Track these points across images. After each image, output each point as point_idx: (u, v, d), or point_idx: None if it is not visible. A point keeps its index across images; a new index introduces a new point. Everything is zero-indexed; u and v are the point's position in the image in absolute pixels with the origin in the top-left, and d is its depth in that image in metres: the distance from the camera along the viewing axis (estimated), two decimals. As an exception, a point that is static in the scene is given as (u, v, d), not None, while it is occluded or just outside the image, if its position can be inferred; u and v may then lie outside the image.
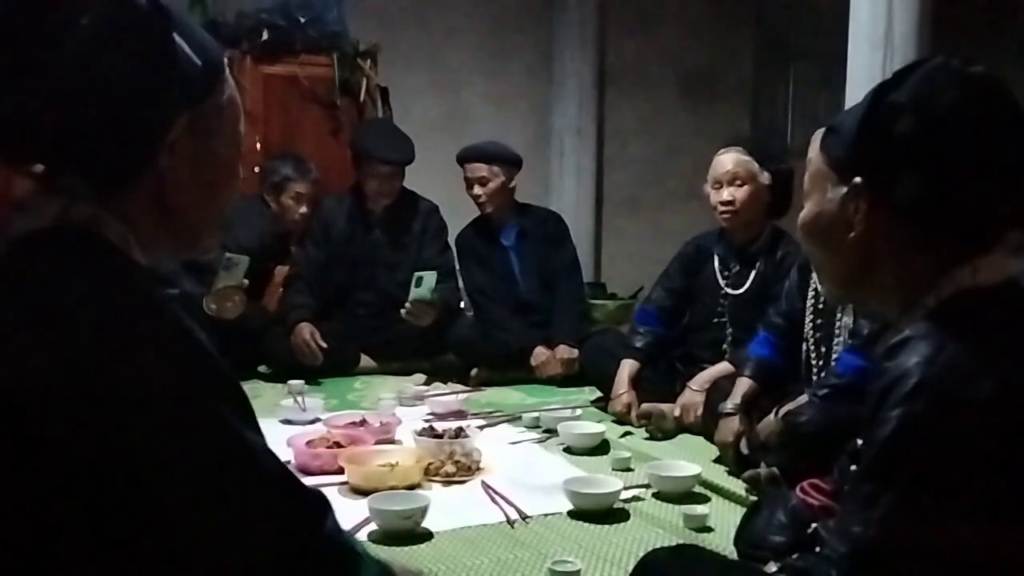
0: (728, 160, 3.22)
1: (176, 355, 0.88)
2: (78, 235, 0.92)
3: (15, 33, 0.90)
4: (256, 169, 4.25)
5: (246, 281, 3.69)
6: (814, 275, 2.50)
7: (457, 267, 4.30)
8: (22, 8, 0.91)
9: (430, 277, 3.93)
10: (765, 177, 3.20)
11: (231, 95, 1.05)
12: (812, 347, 2.67)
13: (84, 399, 0.82)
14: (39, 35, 0.90)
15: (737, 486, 2.53)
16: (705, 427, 2.95)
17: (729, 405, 2.80)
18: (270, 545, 0.90)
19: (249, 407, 0.94)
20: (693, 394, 3.09)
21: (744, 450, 2.68)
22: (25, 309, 0.86)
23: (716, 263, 3.38)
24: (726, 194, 3.20)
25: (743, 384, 2.85)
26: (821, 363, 2.63)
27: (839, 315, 2.57)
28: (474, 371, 4.03)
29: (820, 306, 2.65)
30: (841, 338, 2.57)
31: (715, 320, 3.36)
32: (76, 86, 0.90)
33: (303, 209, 4.19)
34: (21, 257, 0.92)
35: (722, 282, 3.35)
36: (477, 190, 4.09)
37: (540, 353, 3.98)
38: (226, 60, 1.06)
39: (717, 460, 2.80)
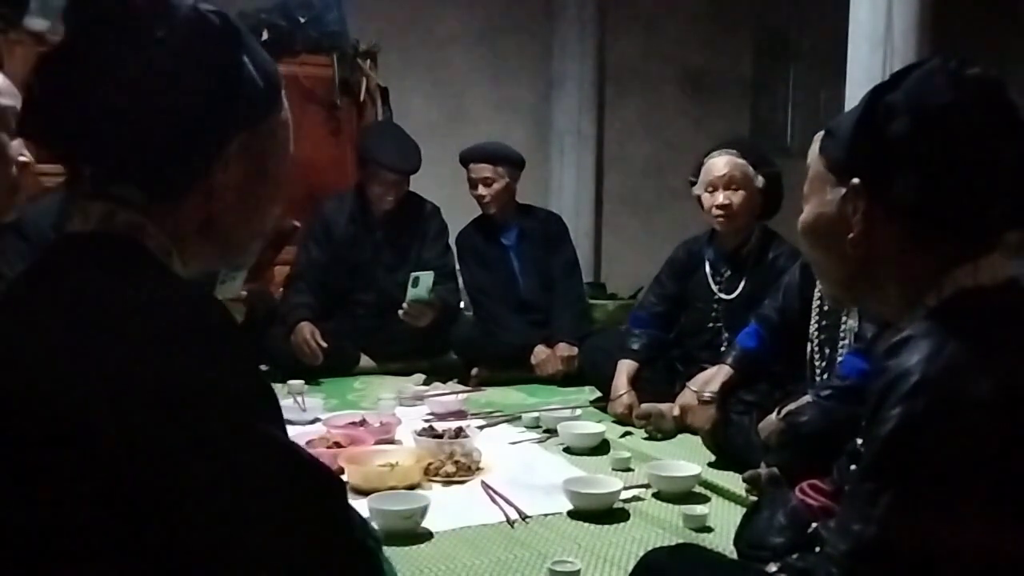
0: (723, 163, 3.20)
1: (214, 361, 0.88)
2: (121, 241, 0.93)
3: (91, 38, 0.92)
4: None
5: (244, 292, 3.70)
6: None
7: (457, 267, 4.31)
8: (100, 16, 0.92)
9: (427, 277, 3.93)
10: (759, 180, 3.20)
11: (286, 116, 1.06)
12: (816, 348, 2.67)
13: (120, 405, 0.82)
14: (114, 43, 0.91)
15: (737, 486, 2.53)
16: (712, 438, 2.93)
17: (707, 393, 2.86)
18: (303, 540, 0.90)
19: (279, 410, 0.94)
20: (692, 394, 3.09)
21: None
22: (64, 313, 0.86)
23: (708, 268, 3.38)
24: (721, 198, 3.19)
25: (723, 372, 2.91)
26: (825, 364, 2.64)
27: (844, 317, 2.58)
28: (474, 371, 4.03)
29: (825, 308, 2.65)
30: (846, 341, 2.57)
31: (709, 325, 3.36)
32: (144, 96, 0.91)
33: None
34: (62, 258, 0.93)
35: (714, 287, 3.35)
36: (481, 190, 4.11)
37: (540, 352, 3.98)
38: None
39: (716, 462, 2.80)
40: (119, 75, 0.90)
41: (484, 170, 4.09)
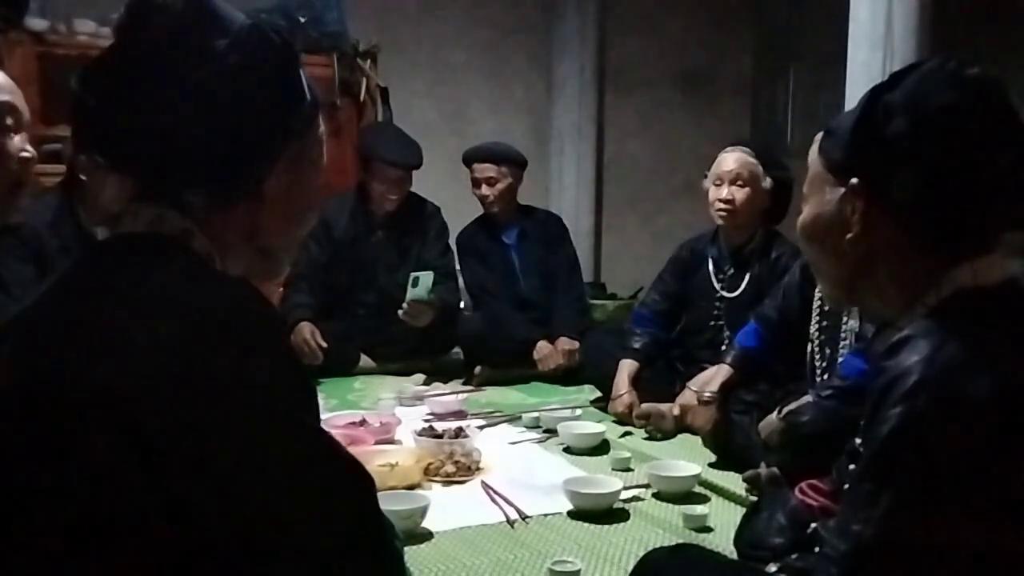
0: (733, 159, 3.22)
1: (268, 361, 0.90)
2: (169, 243, 0.96)
3: (146, 50, 0.94)
4: None
5: None
6: (817, 278, 2.51)
7: (458, 266, 4.32)
8: (163, 26, 0.95)
9: (426, 277, 3.94)
10: (767, 182, 3.20)
11: (323, 128, 1.10)
12: (817, 349, 2.67)
13: (168, 396, 0.84)
14: (176, 53, 0.94)
15: (737, 486, 2.53)
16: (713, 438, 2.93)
17: (707, 393, 2.86)
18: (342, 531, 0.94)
19: (317, 405, 0.98)
20: (692, 394, 3.09)
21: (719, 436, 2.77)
22: (115, 305, 0.88)
23: (710, 266, 3.39)
24: (726, 192, 3.20)
25: (723, 372, 2.91)
26: (825, 364, 2.64)
27: (845, 318, 2.58)
28: (478, 369, 4.03)
29: (826, 308, 2.65)
30: (847, 341, 2.57)
31: (711, 323, 3.36)
32: (203, 106, 0.93)
33: None
34: (113, 255, 0.96)
35: (717, 285, 3.35)
36: (485, 190, 4.13)
37: (543, 346, 4.01)
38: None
39: (716, 462, 2.80)
40: (179, 86, 0.93)
41: (488, 170, 4.12)
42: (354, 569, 0.93)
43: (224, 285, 0.95)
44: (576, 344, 3.96)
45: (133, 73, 0.94)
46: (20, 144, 1.65)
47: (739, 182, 3.20)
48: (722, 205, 3.21)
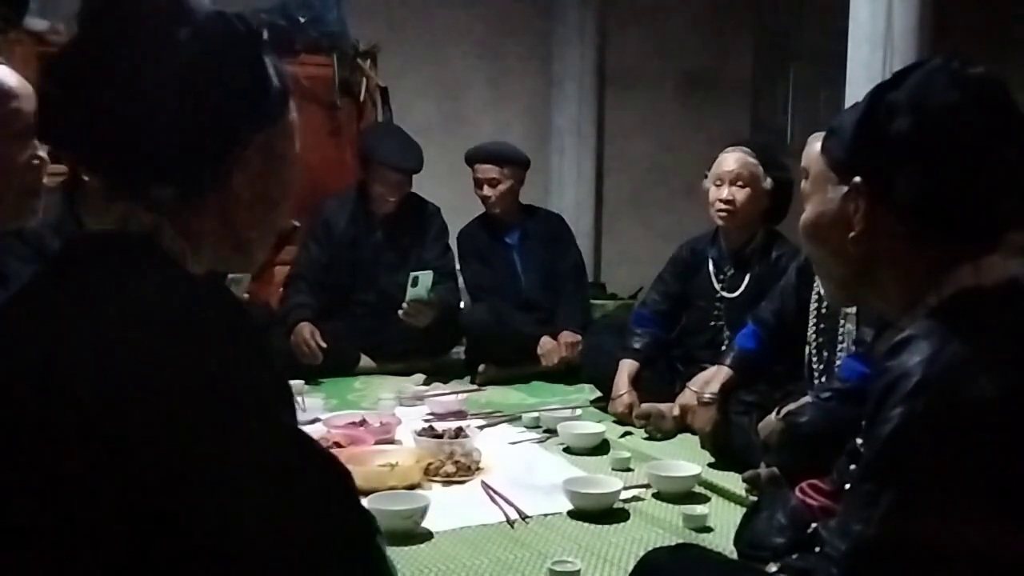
0: (733, 159, 3.22)
1: (233, 357, 0.89)
2: (137, 241, 0.94)
3: (108, 41, 0.92)
4: None
5: (247, 295, 3.70)
6: (818, 280, 2.51)
7: (458, 266, 4.31)
8: (116, 18, 0.93)
9: (426, 277, 3.93)
10: (768, 182, 3.20)
11: (294, 117, 1.07)
12: (815, 352, 2.67)
13: (135, 399, 0.83)
14: (133, 45, 0.92)
15: (737, 486, 2.53)
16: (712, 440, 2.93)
17: (707, 394, 2.86)
18: (318, 531, 0.92)
19: (293, 404, 0.97)
20: (692, 394, 3.09)
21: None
22: (82, 309, 0.88)
23: (711, 267, 3.39)
24: (726, 192, 3.20)
25: (723, 373, 2.90)
26: (823, 368, 2.64)
27: (842, 321, 2.58)
28: (481, 367, 4.03)
29: (823, 311, 2.65)
30: (844, 344, 2.57)
31: (712, 323, 3.36)
32: (167, 99, 0.92)
33: None
34: (79, 257, 0.94)
35: (717, 286, 3.36)
36: (487, 191, 4.13)
37: (546, 342, 4.02)
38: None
39: (716, 462, 2.80)
40: (142, 77, 0.91)
41: (490, 171, 4.12)
42: (335, 568, 0.92)
43: (193, 286, 0.94)
44: (578, 337, 3.97)
45: (94, 65, 0.92)
46: (32, 150, 1.65)
47: (739, 182, 3.20)
48: (722, 205, 3.21)
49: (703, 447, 2.89)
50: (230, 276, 3.58)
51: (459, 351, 4.29)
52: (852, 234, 1.12)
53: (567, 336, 4.01)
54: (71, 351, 0.85)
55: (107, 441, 0.82)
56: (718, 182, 3.24)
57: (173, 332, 0.86)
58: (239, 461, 0.86)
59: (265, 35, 1.00)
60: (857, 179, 1.11)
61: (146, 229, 0.95)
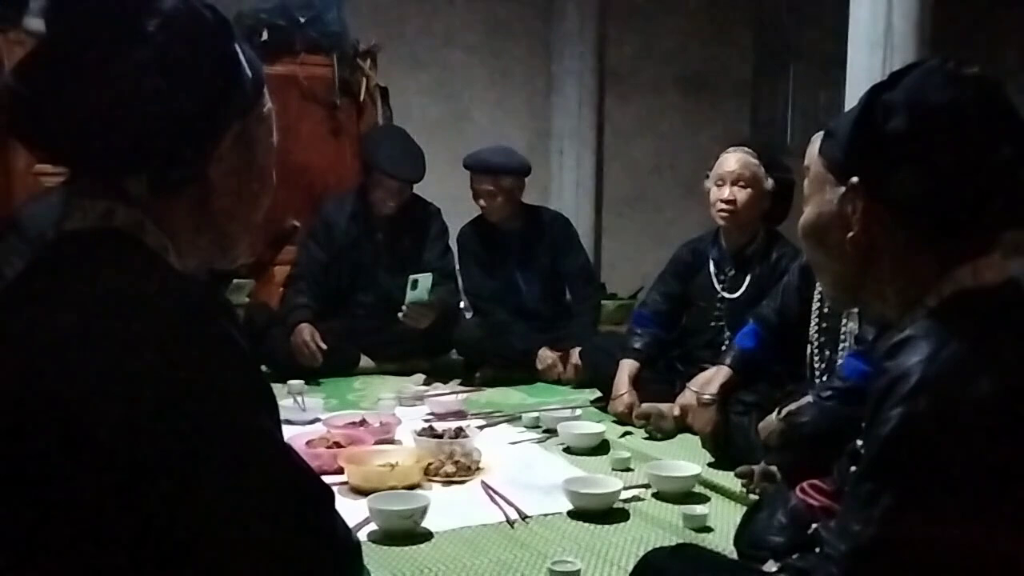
0: (735, 160, 3.22)
1: (215, 357, 0.89)
2: (120, 238, 0.94)
3: (76, 36, 0.92)
4: None
5: (246, 299, 3.71)
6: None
7: (457, 266, 4.30)
8: (83, 12, 0.92)
9: (425, 279, 3.93)
10: (769, 183, 3.20)
11: (269, 105, 1.07)
12: (816, 351, 2.67)
13: (117, 398, 0.83)
14: (101, 39, 0.91)
15: (737, 486, 2.53)
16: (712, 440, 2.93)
17: (706, 395, 2.85)
18: (287, 540, 0.91)
19: (276, 409, 0.96)
20: (692, 394, 3.09)
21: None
22: (64, 308, 0.87)
23: (712, 267, 3.39)
24: (727, 193, 3.20)
25: (723, 373, 2.90)
26: (824, 366, 2.64)
27: (844, 320, 2.58)
28: (478, 373, 4.03)
29: (825, 310, 2.65)
30: (846, 343, 2.57)
31: (712, 324, 3.36)
32: (138, 91, 0.91)
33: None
34: (62, 255, 0.94)
35: (718, 286, 3.36)
36: (483, 202, 4.10)
37: (545, 356, 3.98)
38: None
39: (716, 462, 2.80)
40: (111, 71, 0.90)
41: (485, 182, 4.06)
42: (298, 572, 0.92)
43: (174, 282, 0.93)
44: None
45: (63, 60, 0.91)
46: None
47: (741, 183, 3.19)
48: (723, 206, 3.21)
49: (704, 447, 2.89)
50: (234, 280, 3.60)
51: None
52: (850, 235, 1.12)
53: (575, 357, 3.90)
54: (52, 347, 0.85)
55: (90, 440, 0.82)
56: (720, 182, 3.23)
57: (152, 327, 0.86)
58: (211, 461, 0.85)
59: (230, 23, 0.99)
60: (854, 179, 1.11)
61: (127, 225, 0.94)
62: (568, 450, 2.96)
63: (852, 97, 3.57)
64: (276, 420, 0.95)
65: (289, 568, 0.91)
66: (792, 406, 2.56)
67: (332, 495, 0.99)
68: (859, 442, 1.11)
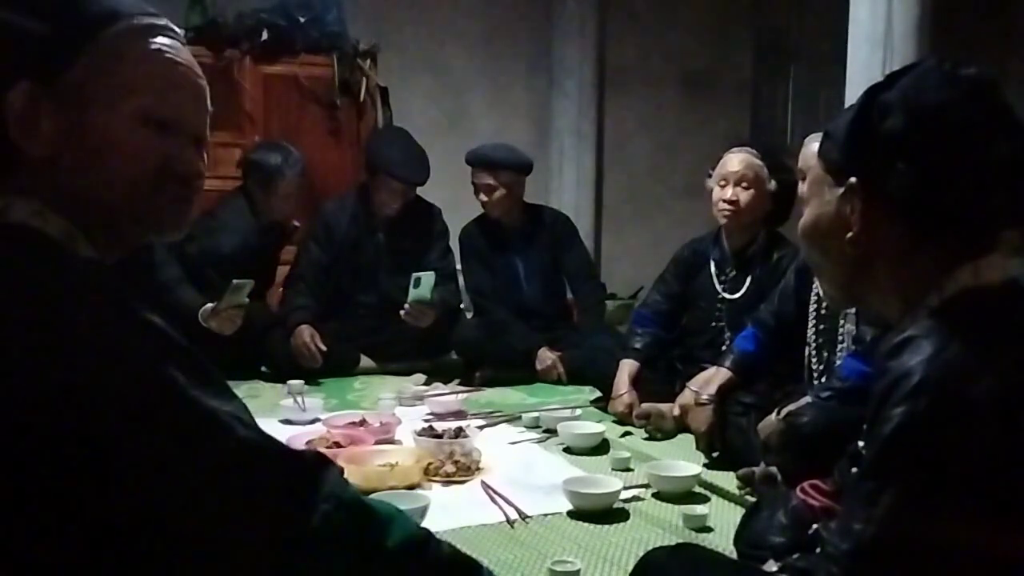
0: (738, 160, 3.22)
1: (120, 341, 0.85)
2: (18, 231, 0.91)
3: None
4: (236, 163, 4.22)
5: (247, 300, 3.70)
6: (817, 280, 2.51)
7: (459, 265, 4.30)
8: None
9: (428, 278, 3.93)
10: (771, 184, 3.20)
11: (120, 60, 0.95)
12: (814, 352, 2.67)
13: (29, 393, 0.81)
14: None
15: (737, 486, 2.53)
16: (707, 441, 2.93)
17: (704, 395, 2.86)
18: (258, 511, 0.88)
19: (214, 378, 0.90)
20: (692, 394, 3.09)
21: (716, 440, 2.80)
22: None
23: (712, 268, 3.39)
24: (730, 193, 3.20)
25: (721, 375, 2.90)
26: (822, 368, 2.64)
27: (842, 322, 2.58)
28: (477, 374, 4.03)
29: (823, 311, 2.65)
30: (844, 344, 2.57)
31: (712, 324, 3.36)
32: None
33: (291, 201, 4.12)
34: None
35: (719, 287, 3.36)
36: (483, 197, 4.10)
37: (545, 356, 3.98)
38: (114, 24, 0.95)
39: (715, 462, 2.80)
40: None
41: (485, 177, 4.07)
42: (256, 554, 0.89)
43: (75, 273, 0.89)
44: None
45: None
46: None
47: (744, 183, 3.19)
48: (726, 206, 3.21)
49: (697, 447, 2.89)
50: (234, 281, 3.58)
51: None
52: (849, 235, 1.12)
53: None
54: None
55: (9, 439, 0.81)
56: (722, 182, 3.23)
57: (43, 321, 0.83)
58: (117, 439, 0.82)
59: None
60: (852, 180, 1.11)
61: (26, 217, 0.91)
62: (568, 450, 2.96)
63: (852, 97, 3.56)
64: (204, 385, 0.87)
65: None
66: (792, 406, 2.56)
67: (299, 454, 0.94)
68: (860, 442, 1.11)
